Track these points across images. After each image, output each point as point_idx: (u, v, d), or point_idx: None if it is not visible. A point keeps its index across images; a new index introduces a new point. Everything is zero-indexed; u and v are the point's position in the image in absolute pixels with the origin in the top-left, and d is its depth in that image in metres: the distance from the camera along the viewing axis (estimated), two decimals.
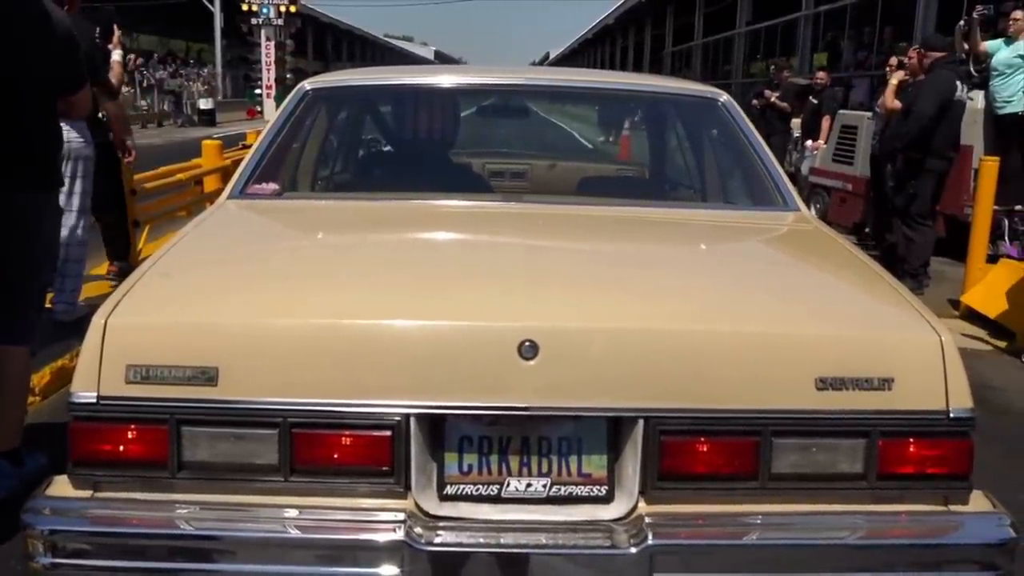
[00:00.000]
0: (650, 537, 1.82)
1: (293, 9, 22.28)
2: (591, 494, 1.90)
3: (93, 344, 1.86)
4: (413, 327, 1.89)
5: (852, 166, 9.41)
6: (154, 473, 1.87)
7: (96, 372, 1.85)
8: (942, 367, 1.90)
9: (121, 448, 1.86)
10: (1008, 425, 4.47)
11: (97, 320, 1.88)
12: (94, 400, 1.85)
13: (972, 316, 6.29)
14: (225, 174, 7.82)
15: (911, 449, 1.90)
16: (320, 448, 1.86)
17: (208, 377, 1.83)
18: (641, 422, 1.86)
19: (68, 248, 4.92)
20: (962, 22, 9.18)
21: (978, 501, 1.97)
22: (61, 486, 1.92)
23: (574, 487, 1.90)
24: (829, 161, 9.97)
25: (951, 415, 1.89)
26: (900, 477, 1.91)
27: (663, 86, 3.81)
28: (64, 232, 4.87)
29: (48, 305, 5.01)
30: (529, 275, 2.19)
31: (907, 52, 8.31)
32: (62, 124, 4.55)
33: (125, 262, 6.05)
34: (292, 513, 1.86)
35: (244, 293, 2.07)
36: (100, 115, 5.75)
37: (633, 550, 1.81)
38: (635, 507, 1.89)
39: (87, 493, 1.90)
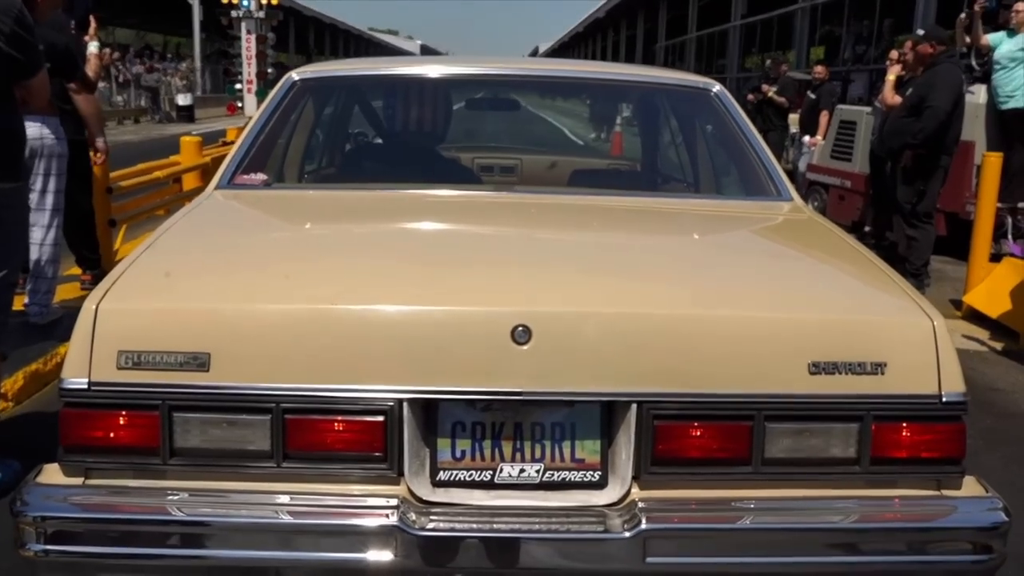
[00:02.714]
0: (643, 522, 1.82)
1: (275, 1, 22.05)
2: (584, 479, 1.90)
3: (84, 329, 1.85)
4: (406, 312, 1.89)
5: (851, 162, 9.34)
6: (146, 460, 1.86)
7: (87, 358, 1.84)
8: (934, 351, 1.90)
9: (112, 435, 1.86)
10: (1014, 428, 4.41)
11: (88, 305, 1.87)
12: (85, 386, 1.84)
13: (975, 316, 6.19)
14: (204, 171, 7.68)
15: (904, 433, 1.91)
16: (313, 434, 1.85)
17: (200, 363, 1.83)
18: (634, 407, 1.86)
19: (41, 248, 4.82)
20: (963, 15, 9.12)
21: (971, 486, 1.98)
22: (52, 473, 1.91)
23: (567, 472, 1.90)
24: (827, 157, 9.90)
25: (943, 399, 1.90)
26: (893, 461, 1.92)
27: (656, 76, 3.81)
28: (37, 232, 4.75)
29: (21, 307, 4.97)
30: (522, 261, 2.20)
31: (904, 46, 8.26)
32: (35, 121, 4.51)
33: (98, 269, 5.86)
34: (285, 499, 1.86)
35: (235, 279, 2.07)
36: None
37: (627, 535, 1.81)
38: (628, 492, 1.89)
39: (78, 480, 1.89)
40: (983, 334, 5.97)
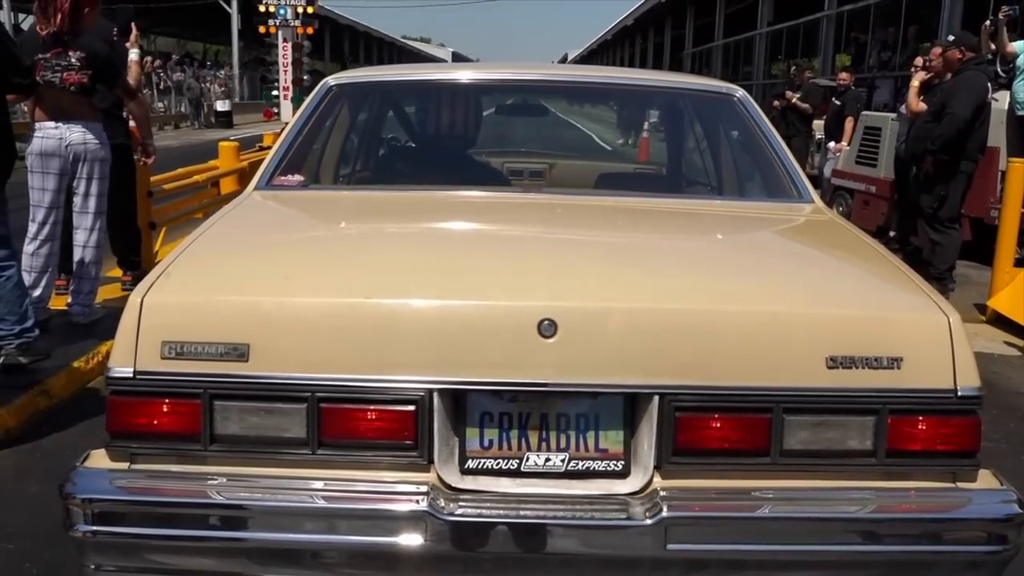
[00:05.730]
0: (665, 510, 1.88)
1: (311, 10, 22.34)
2: (608, 469, 1.96)
3: (130, 321, 1.94)
4: (437, 306, 1.97)
5: (876, 168, 9.33)
6: (188, 446, 1.95)
7: (133, 348, 1.93)
8: (950, 346, 1.95)
9: (156, 421, 1.94)
10: None
11: (134, 299, 1.96)
12: (131, 375, 1.93)
13: (999, 321, 6.20)
14: (242, 176, 7.78)
15: (920, 427, 1.95)
16: (347, 422, 1.93)
17: (240, 353, 1.91)
18: (656, 398, 1.92)
19: (84, 250, 4.96)
20: (988, 22, 9.11)
21: (986, 478, 2.02)
22: (99, 458, 2.00)
23: (591, 462, 1.97)
24: (852, 163, 9.90)
25: (959, 393, 1.94)
26: (909, 454, 1.96)
27: (680, 82, 3.88)
28: (81, 235, 4.93)
29: (64, 307, 5.10)
30: (548, 257, 2.27)
31: (931, 52, 8.24)
32: (78, 126, 4.66)
33: (139, 271, 5.97)
34: (319, 485, 1.94)
35: (274, 274, 2.14)
36: (124, 114, 5.81)
37: (648, 522, 1.87)
38: (650, 481, 1.95)
39: (124, 465, 1.98)
40: (1008, 338, 5.96)
